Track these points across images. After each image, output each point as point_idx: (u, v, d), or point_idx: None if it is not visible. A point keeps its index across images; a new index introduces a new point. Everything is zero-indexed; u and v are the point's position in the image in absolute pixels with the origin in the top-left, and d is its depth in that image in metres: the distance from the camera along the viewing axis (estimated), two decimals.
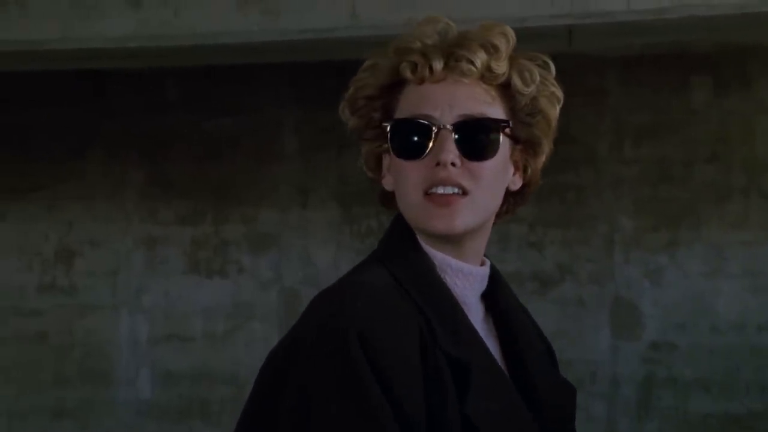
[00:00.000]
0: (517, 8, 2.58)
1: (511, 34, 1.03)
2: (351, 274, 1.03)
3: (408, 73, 1.01)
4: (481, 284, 1.09)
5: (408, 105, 1.02)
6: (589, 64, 3.97)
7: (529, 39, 3.03)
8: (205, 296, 4.17)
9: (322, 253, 4.12)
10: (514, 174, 1.07)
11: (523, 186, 1.09)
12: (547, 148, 1.06)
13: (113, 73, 3.94)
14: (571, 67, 4.00)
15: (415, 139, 1.01)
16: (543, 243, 4.22)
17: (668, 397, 4.03)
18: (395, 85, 1.03)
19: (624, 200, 4.10)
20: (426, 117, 1.01)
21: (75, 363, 4.29)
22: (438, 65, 1.00)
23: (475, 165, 1.01)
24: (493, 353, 1.08)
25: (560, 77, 3.70)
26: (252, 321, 4.13)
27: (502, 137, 1.03)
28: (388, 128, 1.02)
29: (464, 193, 1.02)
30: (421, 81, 1.01)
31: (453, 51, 1.00)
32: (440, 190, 1.02)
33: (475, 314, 1.09)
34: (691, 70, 3.99)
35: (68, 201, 4.29)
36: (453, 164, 1.01)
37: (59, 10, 2.91)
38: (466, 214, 1.03)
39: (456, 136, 1.00)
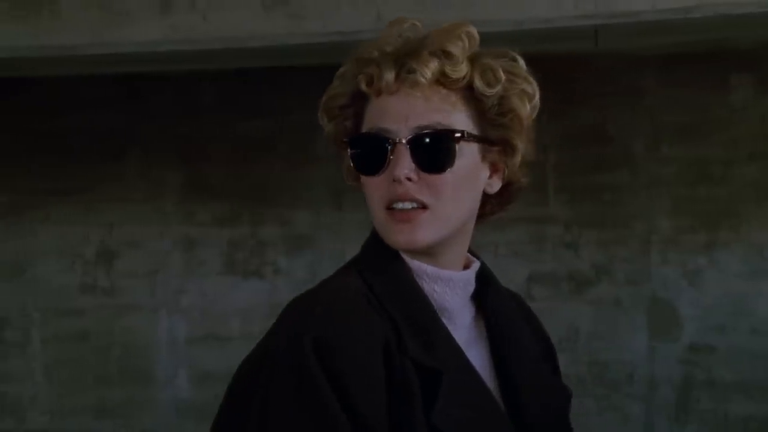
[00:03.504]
0: (542, 9, 2.56)
1: (473, 34, 1.01)
2: (324, 281, 1.04)
3: (364, 86, 1.00)
4: (466, 288, 1.08)
5: (370, 117, 1.01)
6: (623, 63, 3.93)
7: (556, 39, 3.01)
8: (242, 297, 4.21)
9: (356, 252, 4.13)
10: (490, 176, 1.05)
11: (508, 185, 1.07)
12: (521, 146, 1.04)
13: (149, 76, 3.99)
14: (605, 66, 3.99)
15: (373, 154, 1.00)
16: (578, 243, 4.17)
17: (707, 399, 3.97)
18: (362, 94, 1.03)
19: (661, 200, 4.04)
20: (383, 131, 1.00)
21: (115, 362, 4.36)
22: (389, 77, 0.98)
23: (433, 178, 0.99)
24: (478, 357, 1.07)
25: (593, 77, 3.66)
26: None
27: (463, 145, 1.00)
28: (348, 144, 1.01)
29: (424, 207, 0.99)
30: (378, 93, 1.00)
31: (404, 62, 0.98)
32: (399, 206, 1.01)
33: (460, 319, 1.08)
34: (731, 67, 3.93)
35: (108, 203, 4.36)
36: (410, 179, 0.98)
37: (90, 16, 2.96)
38: (427, 229, 1.01)
39: (411, 150, 0.98)
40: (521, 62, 1.03)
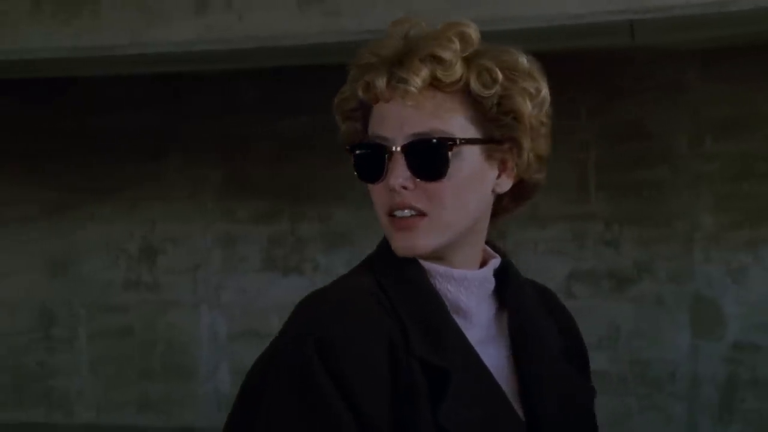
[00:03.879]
0: (573, 6, 2.53)
1: (468, 34, 0.98)
2: (337, 280, 1.04)
3: (361, 93, 0.99)
4: (482, 286, 1.06)
5: (371, 123, 1.00)
6: (664, 58, 3.88)
7: (591, 35, 2.98)
8: (281, 293, 4.23)
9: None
10: (499, 176, 1.03)
11: (521, 183, 1.05)
12: (528, 144, 1.01)
13: (189, 76, 4.04)
14: (645, 61, 3.94)
15: (372, 162, 0.99)
16: (619, 241, 4.13)
17: (752, 399, 3.90)
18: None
19: (704, 197, 3.98)
20: (381, 139, 0.98)
21: (158, 357, 4.42)
22: (381, 85, 0.97)
23: (430, 186, 0.98)
24: (496, 355, 1.05)
25: (633, 72, 3.61)
26: None
27: (460, 150, 0.98)
28: (350, 152, 1.01)
29: (423, 214, 0.99)
30: (376, 100, 0.99)
31: (395, 70, 0.96)
32: (399, 214, 0.99)
33: (477, 317, 1.06)
34: None
35: (150, 201, 4.43)
36: (406, 187, 0.98)
37: (129, 16, 3.01)
38: (427, 236, 1.00)
39: (406, 158, 0.97)
40: (522, 59, 1.00)
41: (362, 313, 0.96)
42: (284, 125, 4.26)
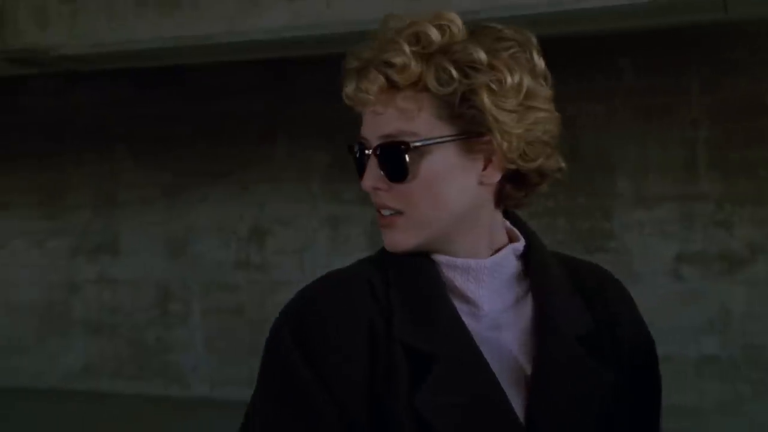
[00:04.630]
0: None
1: (425, 33, 0.97)
2: (348, 265, 1.06)
3: (344, 96, 1.01)
4: (493, 274, 1.06)
5: (362, 125, 1.03)
6: None
7: (685, 10, 2.88)
8: None
9: None
10: (485, 168, 1.03)
11: (518, 172, 1.04)
12: (504, 136, 1.00)
13: (294, 61, 4.13)
14: (760, 34, 3.75)
15: (358, 163, 1.01)
16: (732, 221, 3.98)
17: None
18: None
19: None
20: (363, 140, 1.00)
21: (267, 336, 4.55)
22: (350, 94, 0.98)
23: (400, 186, 0.99)
24: (512, 342, 1.04)
25: (747, 46, 3.47)
26: None
27: (425, 150, 0.98)
28: (349, 151, 1.03)
29: (401, 212, 1.01)
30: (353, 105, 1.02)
31: (358, 80, 0.97)
32: (382, 212, 1.02)
33: (489, 305, 1.05)
34: None
35: (259, 184, 4.56)
36: (379, 188, 1.00)
37: (225, 6, 3.10)
38: (405, 233, 1.01)
39: (378, 161, 0.99)
40: (479, 54, 0.98)
41: (341, 298, 0.98)
42: None
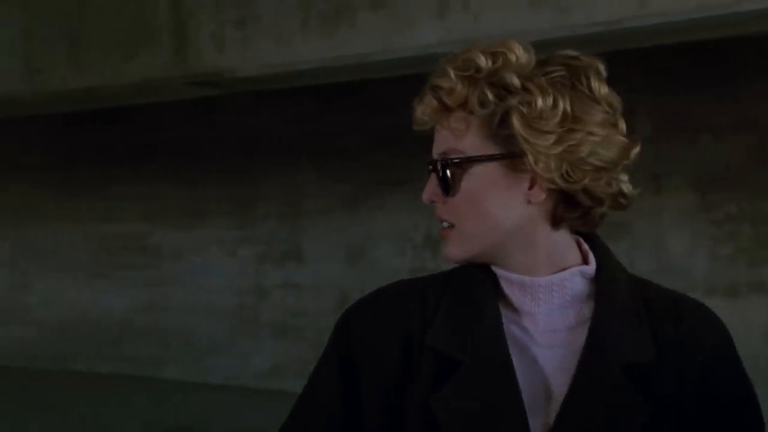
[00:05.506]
0: None
1: (471, 59, 1.03)
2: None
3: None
4: (550, 292, 1.08)
5: None
6: None
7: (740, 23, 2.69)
8: None
9: (676, 240, 3.99)
10: (531, 187, 1.06)
11: (566, 193, 1.06)
12: (539, 157, 1.03)
13: None
14: None
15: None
16: None
17: None
18: None
19: None
20: (432, 156, 1.10)
21: None
22: (415, 113, 1.09)
23: (450, 200, 1.08)
24: (559, 360, 1.06)
25: None
26: None
27: (467, 168, 1.05)
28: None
29: (453, 225, 1.09)
30: None
31: (419, 103, 1.08)
32: (442, 224, 1.11)
33: (546, 323, 1.08)
34: None
35: None
36: (434, 201, 1.09)
37: (380, 25, 3.22)
38: (455, 245, 1.09)
39: (436, 176, 1.09)
40: (512, 78, 1.01)
41: (387, 302, 1.08)
42: None
